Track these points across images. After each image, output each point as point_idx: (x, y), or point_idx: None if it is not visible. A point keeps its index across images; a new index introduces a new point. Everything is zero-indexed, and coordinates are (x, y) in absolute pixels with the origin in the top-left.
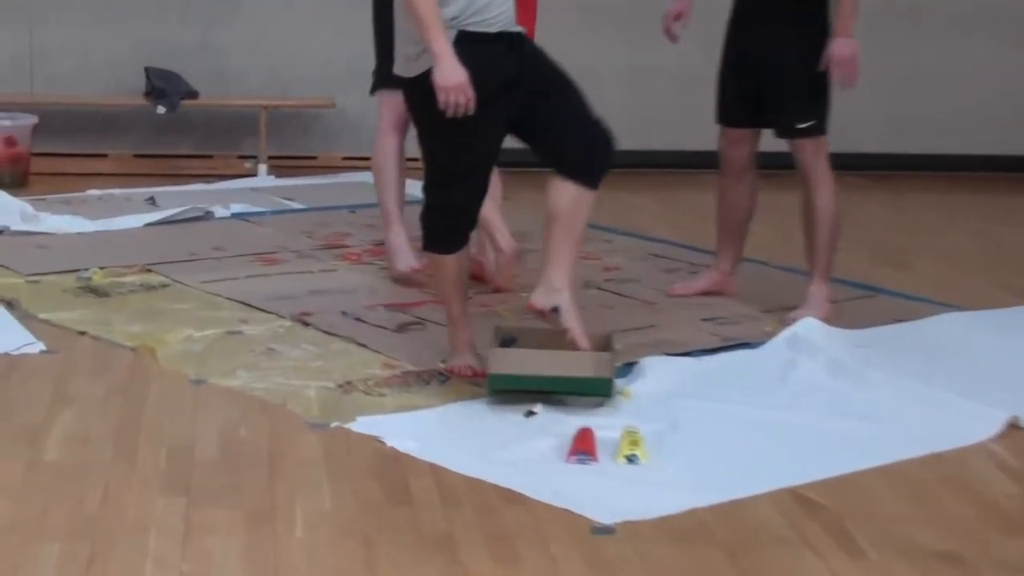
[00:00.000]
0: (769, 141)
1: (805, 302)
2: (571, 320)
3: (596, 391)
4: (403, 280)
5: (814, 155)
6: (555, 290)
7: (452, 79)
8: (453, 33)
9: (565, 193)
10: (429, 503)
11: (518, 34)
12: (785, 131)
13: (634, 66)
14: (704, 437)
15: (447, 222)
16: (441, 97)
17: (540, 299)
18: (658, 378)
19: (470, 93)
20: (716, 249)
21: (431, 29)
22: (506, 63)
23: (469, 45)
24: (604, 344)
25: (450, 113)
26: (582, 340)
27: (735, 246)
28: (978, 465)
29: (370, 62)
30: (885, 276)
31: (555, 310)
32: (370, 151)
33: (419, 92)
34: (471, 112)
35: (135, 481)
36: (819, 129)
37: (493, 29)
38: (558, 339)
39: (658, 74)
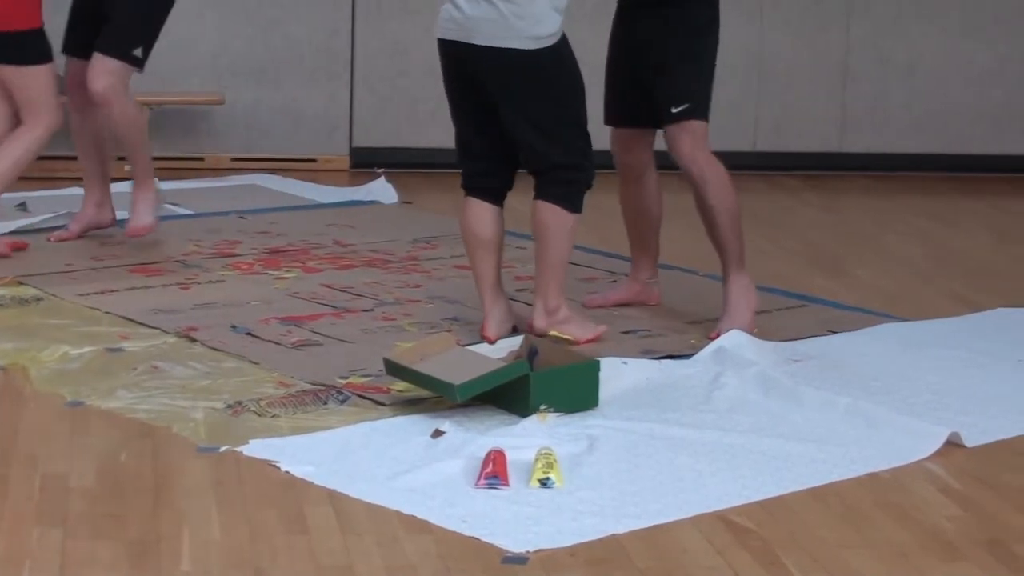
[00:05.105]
0: None
1: (727, 306)
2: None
3: (445, 393)
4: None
5: (693, 145)
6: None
7: None
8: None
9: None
10: (327, 532)
11: None
12: (661, 118)
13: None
14: (623, 458)
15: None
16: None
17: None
18: None
19: None
20: (631, 259)
21: None
22: None
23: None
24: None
25: None
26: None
27: (650, 254)
28: (917, 486)
29: (262, 53)
30: (819, 284)
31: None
32: (260, 152)
33: (555, 55)
34: None
35: (6, 512)
36: (695, 113)
37: None
38: (568, 353)
39: None
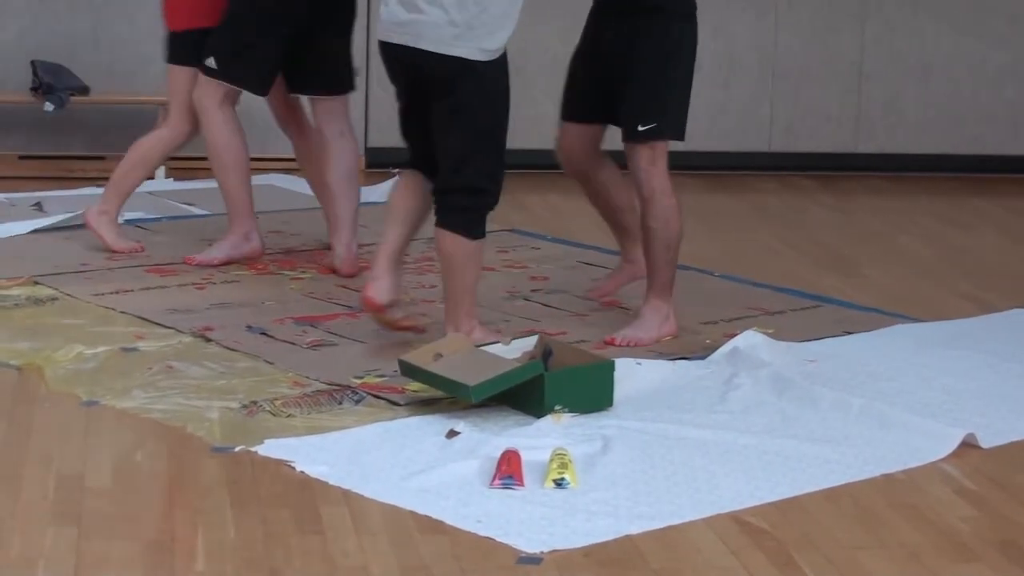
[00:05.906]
0: (691, 140)
1: (637, 320)
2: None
3: (459, 394)
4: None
5: (650, 164)
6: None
7: None
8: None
9: None
10: (342, 532)
11: None
12: (626, 133)
13: (561, 56)
14: (638, 459)
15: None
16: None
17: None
18: None
19: None
20: (618, 244)
21: None
22: None
23: None
24: (543, 351)
25: None
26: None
27: (631, 234)
28: (931, 487)
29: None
30: (833, 285)
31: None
32: (276, 151)
33: (498, 70)
34: None
35: (20, 512)
36: (660, 133)
37: None
38: (582, 353)
39: None
